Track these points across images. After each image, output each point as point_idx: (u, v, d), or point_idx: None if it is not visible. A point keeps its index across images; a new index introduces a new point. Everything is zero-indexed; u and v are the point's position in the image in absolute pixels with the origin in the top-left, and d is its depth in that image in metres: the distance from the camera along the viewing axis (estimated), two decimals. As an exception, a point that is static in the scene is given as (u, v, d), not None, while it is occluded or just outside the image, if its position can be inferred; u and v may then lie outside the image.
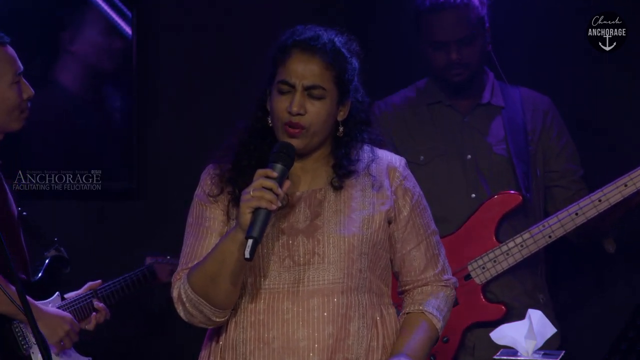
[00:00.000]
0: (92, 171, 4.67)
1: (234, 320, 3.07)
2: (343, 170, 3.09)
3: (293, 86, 3.01)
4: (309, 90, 3.01)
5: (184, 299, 3.02)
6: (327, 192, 3.09)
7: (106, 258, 4.76)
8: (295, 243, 3.05)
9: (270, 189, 2.87)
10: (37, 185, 4.61)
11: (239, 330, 3.06)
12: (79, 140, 4.78)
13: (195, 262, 3.04)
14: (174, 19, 4.87)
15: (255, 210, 2.86)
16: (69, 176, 4.65)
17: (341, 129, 3.10)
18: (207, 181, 3.13)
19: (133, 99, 4.78)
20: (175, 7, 4.87)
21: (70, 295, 4.03)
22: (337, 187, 3.08)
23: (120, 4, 4.75)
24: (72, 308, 3.98)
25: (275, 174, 2.90)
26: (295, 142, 3.01)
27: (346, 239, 3.05)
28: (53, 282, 4.02)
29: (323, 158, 3.12)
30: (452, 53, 4.18)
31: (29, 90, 3.85)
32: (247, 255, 2.83)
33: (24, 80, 3.85)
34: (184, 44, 4.86)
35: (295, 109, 3.00)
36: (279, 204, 2.90)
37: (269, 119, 3.08)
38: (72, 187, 4.66)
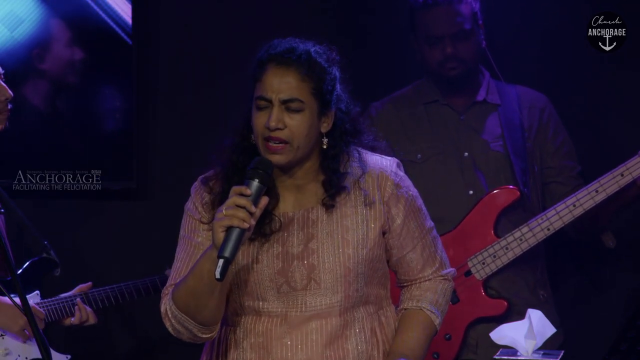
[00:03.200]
0: (92, 171, 4.67)
1: (233, 339, 3.07)
2: (333, 188, 3.03)
3: (270, 101, 2.96)
4: (286, 104, 2.95)
5: (170, 315, 3.00)
6: (319, 212, 3.05)
7: (106, 258, 4.76)
8: (291, 269, 3.02)
9: (244, 207, 2.81)
10: (37, 185, 4.61)
11: (239, 351, 3.06)
12: (78, 140, 4.77)
13: None
14: (174, 19, 4.87)
15: (228, 229, 2.81)
16: (69, 176, 4.65)
17: (325, 140, 3.04)
18: (198, 200, 3.08)
19: (133, 99, 4.77)
20: (175, 7, 4.87)
21: (60, 296, 4.04)
22: (329, 206, 3.04)
23: (120, 4, 4.75)
24: (51, 307, 3.98)
25: (249, 192, 2.83)
26: (278, 159, 2.96)
27: (342, 263, 3.03)
28: (33, 282, 4.01)
29: (312, 172, 3.07)
30: (447, 47, 4.20)
31: (6, 92, 3.88)
32: (217, 275, 2.78)
33: (1, 82, 3.86)
34: (184, 44, 4.86)
35: (272, 124, 2.94)
36: (252, 222, 2.83)
37: (253, 136, 3.02)
38: (72, 187, 4.66)
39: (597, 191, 4.08)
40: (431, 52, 4.24)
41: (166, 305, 3.01)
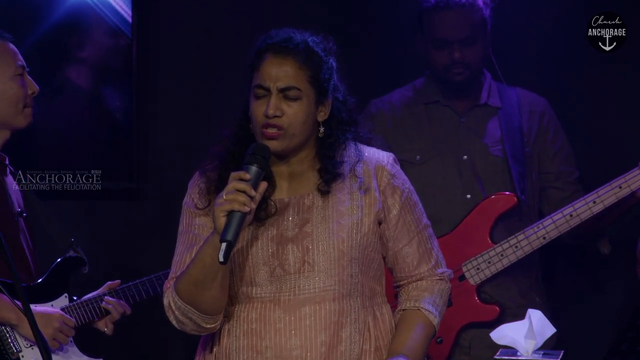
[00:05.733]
0: (92, 171, 4.66)
1: (227, 328, 3.08)
2: (329, 175, 3.07)
3: (268, 89, 3.01)
4: (283, 92, 3.00)
5: (173, 307, 3.02)
6: (315, 198, 3.08)
7: (106, 258, 4.76)
8: (285, 252, 3.04)
9: (244, 191, 2.85)
10: (37, 185, 4.60)
11: (232, 339, 3.07)
12: (79, 140, 4.78)
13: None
14: (174, 19, 4.87)
15: (229, 214, 2.85)
16: (69, 176, 4.64)
17: (321, 129, 3.08)
18: (195, 191, 3.12)
19: (133, 99, 4.78)
20: (176, 7, 4.87)
21: (87, 296, 4.02)
22: (325, 192, 3.07)
23: (120, 4, 4.75)
24: (82, 309, 3.96)
25: (248, 176, 2.88)
26: (274, 145, 3.00)
27: (335, 246, 3.04)
28: (61, 283, 4.01)
29: (308, 161, 3.11)
30: (455, 52, 4.19)
31: (33, 86, 3.90)
32: (220, 259, 2.81)
33: (28, 76, 3.89)
34: (184, 44, 4.86)
35: (271, 112, 2.99)
36: (253, 206, 2.87)
37: (251, 126, 3.07)
38: (72, 187, 4.65)
39: (594, 202, 4.08)
40: (438, 55, 4.23)
41: (169, 298, 3.03)
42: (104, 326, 3.98)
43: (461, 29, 4.19)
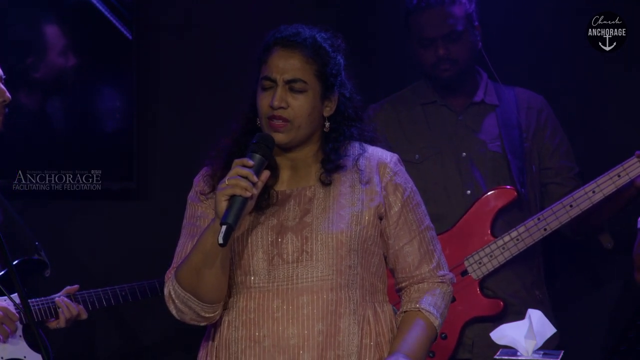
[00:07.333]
0: (92, 171, 4.67)
1: (227, 319, 3.10)
2: (331, 164, 3.10)
3: (274, 81, 3.05)
4: (290, 84, 3.05)
5: (173, 296, 3.04)
6: (316, 189, 3.11)
7: (106, 258, 4.76)
8: (284, 241, 3.06)
9: (246, 177, 2.89)
10: (37, 185, 4.61)
11: (231, 329, 3.08)
12: (79, 140, 4.77)
13: None
14: (174, 19, 4.87)
15: (231, 198, 2.88)
16: (69, 176, 4.65)
17: (327, 124, 3.12)
18: (199, 182, 3.16)
19: (133, 99, 4.78)
20: (175, 7, 4.87)
21: (43, 298, 4.02)
22: (326, 183, 3.10)
23: (120, 5, 4.75)
24: (33, 308, 3.96)
25: (251, 163, 2.92)
26: (280, 137, 3.05)
27: (334, 236, 3.06)
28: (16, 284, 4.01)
29: (313, 155, 3.14)
30: (440, 49, 4.23)
31: (4, 95, 3.92)
32: (220, 240, 2.84)
33: (1, 85, 3.90)
34: (184, 44, 4.86)
35: (276, 103, 3.03)
36: (255, 192, 2.91)
37: (258, 118, 3.10)
38: (72, 187, 4.66)
39: (594, 191, 4.09)
40: (424, 54, 4.27)
41: (169, 287, 3.05)
42: (56, 325, 3.99)
43: (443, 25, 4.23)
